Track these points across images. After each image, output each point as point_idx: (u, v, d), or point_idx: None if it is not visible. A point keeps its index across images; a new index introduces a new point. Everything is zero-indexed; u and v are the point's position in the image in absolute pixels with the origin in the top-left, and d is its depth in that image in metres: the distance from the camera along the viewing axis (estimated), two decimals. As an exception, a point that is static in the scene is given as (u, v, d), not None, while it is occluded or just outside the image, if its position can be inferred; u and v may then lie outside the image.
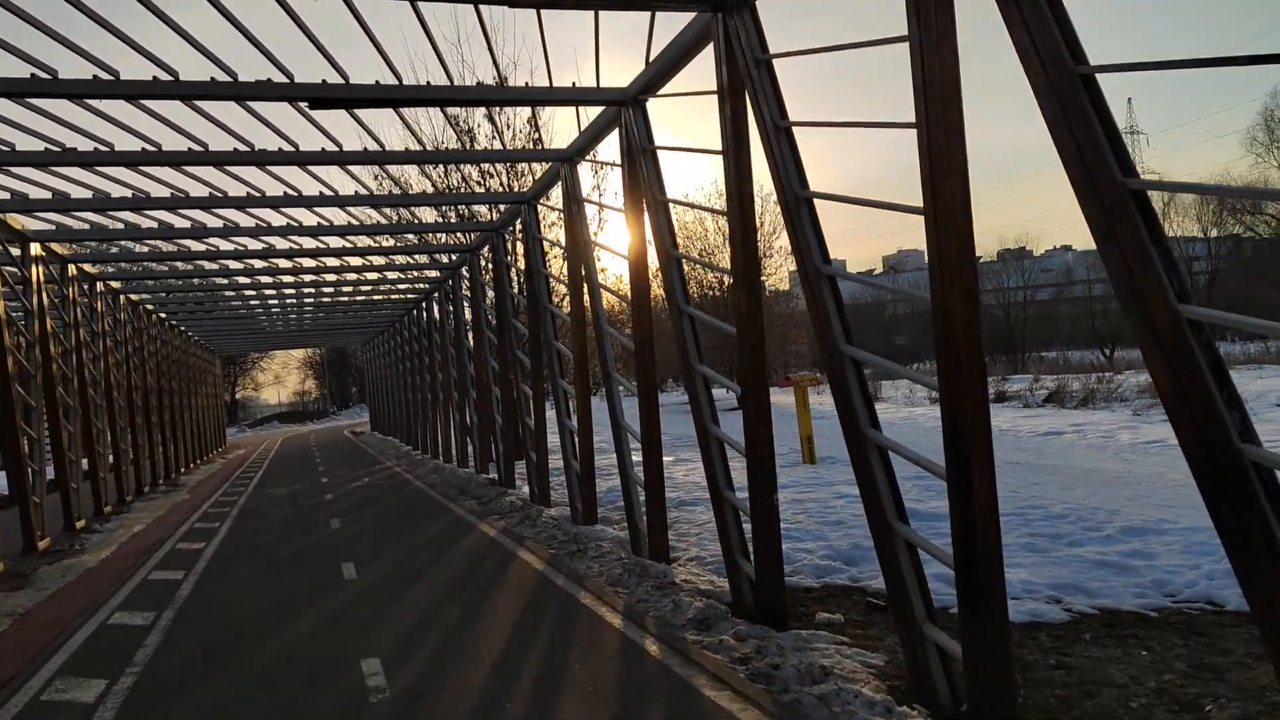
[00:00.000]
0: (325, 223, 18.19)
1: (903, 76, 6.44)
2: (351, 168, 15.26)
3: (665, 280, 10.53)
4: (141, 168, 13.39)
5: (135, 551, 15.51)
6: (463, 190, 24.75)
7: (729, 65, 8.30)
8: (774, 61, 7.92)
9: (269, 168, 13.99)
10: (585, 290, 13.76)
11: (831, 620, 8.58)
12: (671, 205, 10.87)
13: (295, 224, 17.92)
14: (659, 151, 10.80)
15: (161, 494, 25.95)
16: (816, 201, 7.56)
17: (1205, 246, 70.10)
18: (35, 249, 17.70)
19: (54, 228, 17.51)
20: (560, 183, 14.38)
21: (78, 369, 20.03)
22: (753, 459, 8.50)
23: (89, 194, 14.59)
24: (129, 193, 14.78)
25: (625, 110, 11.03)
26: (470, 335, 23.75)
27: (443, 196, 20.60)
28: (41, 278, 18.02)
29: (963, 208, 5.65)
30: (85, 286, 22.31)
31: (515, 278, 21.18)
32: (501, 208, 19.24)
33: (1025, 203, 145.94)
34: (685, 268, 10.98)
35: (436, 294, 28.51)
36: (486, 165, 24.77)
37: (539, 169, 24.28)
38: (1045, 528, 11.92)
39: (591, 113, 12.48)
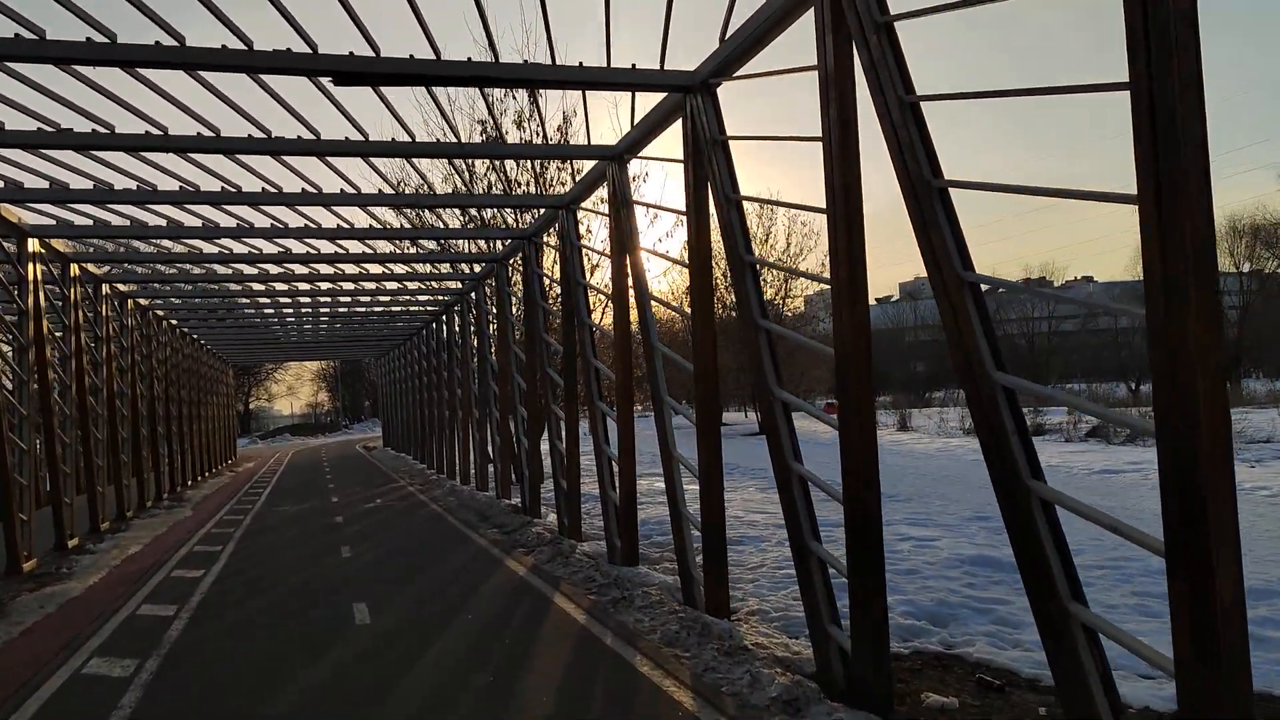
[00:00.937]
0: (345, 224, 16.86)
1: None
2: (376, 162, 13.96)
3: (737, 290, 9.09)
4: (145, 154, 12.07)
5: (127, 578, 14.06)
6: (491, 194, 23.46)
7: (836, 32, 6.90)
8: (896, 26, 6.52)
9: (286, 158, 12.66)
10: (633, 302, 12.40)
11: (945, 706, 7.02)
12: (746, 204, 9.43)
13: (313, 225, 16.59)
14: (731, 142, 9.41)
15: (164, 509, 24.42)
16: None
17: (1237, 280, 68.94)
18: (33, 245, 16.40)
19: (53, 223, 16.20)
20: (606, 183, 13.00)
21: (77, 375, 18.59)
22: (854, 502, 7.01)
23: (89, 184, 13.30)
24: (133, 184, 13.48)
25: (692, 97, 9.63)
26: (495, 350, 22.16)
27: (473, 198, 19.15)
28: (39, 276, 16.70)
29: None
30: (90, 289, 21.04)
31: (546, 288, 19.72)
32: (535, 214, 17.82)
33: (1053, 232, 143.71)
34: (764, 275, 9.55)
35: (459, 306, 26.93)
36: (513, 174, 23.52)
37: (552, 190, 23.13)
38: (1150, 584, 10.46)
39: (642, 109, 11.20)
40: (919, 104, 6.32)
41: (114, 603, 12.13)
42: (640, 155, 12.38)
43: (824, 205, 7.24)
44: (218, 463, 43.44)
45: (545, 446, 19.06)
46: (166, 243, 19.34)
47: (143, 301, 25.80)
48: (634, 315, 12.53)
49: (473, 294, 24.74)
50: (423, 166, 22.98)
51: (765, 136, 12.74)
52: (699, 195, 9.76)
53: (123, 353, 23.20)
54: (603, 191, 14.05)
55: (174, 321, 30.95)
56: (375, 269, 22.08)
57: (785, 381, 8.72)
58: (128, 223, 16.17)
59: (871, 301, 8.38)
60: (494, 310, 22.30)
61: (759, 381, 8.74)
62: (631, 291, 12.50)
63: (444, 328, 30.29)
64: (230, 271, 22.04)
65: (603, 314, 20.20)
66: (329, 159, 12.89)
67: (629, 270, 12.52)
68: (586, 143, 13.60)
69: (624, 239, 12.53)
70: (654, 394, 11.62)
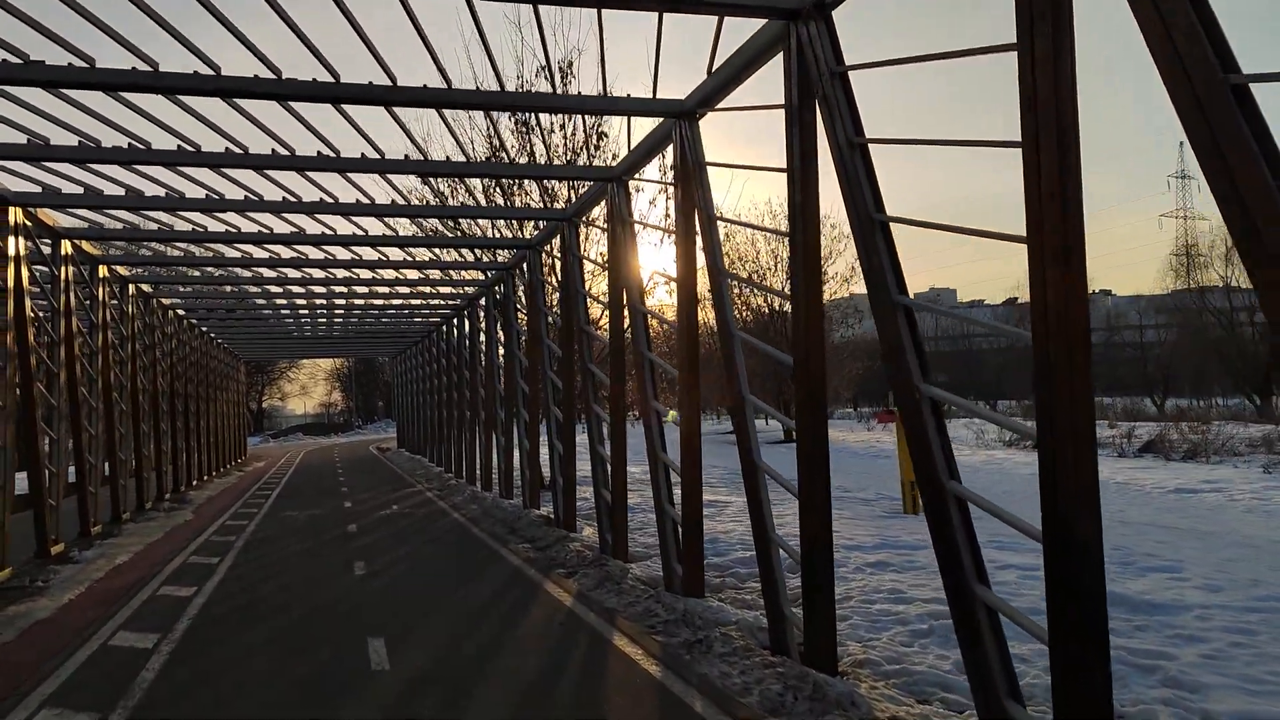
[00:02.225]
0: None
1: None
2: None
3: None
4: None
5: (107, 596, 12.47)
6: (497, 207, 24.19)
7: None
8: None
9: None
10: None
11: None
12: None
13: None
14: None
15: (164, 512, 22.89)
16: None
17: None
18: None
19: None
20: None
21: (66, 363, 17.22)
22: (1060, 529, 5.12)
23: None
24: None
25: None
26: (524, 349, 21.06)
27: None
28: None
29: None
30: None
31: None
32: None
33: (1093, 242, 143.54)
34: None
35: (483, 299, 26.17)
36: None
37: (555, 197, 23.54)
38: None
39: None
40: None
41: (86, 628, 10.51)
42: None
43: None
44: (227, 461, 42.52)
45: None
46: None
47: (146, 288, 25.30)
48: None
49: (499, 286, 24.04)
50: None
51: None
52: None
53: (122, 343, 22.39)
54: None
55: (181, 312, 30.29)
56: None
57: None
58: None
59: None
60: (523, 302, 21.36)
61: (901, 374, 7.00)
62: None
63: (465, 323, 29.49)
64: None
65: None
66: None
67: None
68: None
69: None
70: (734, 393, 9.75)
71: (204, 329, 35.52)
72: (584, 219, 16.64)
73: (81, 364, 18.47)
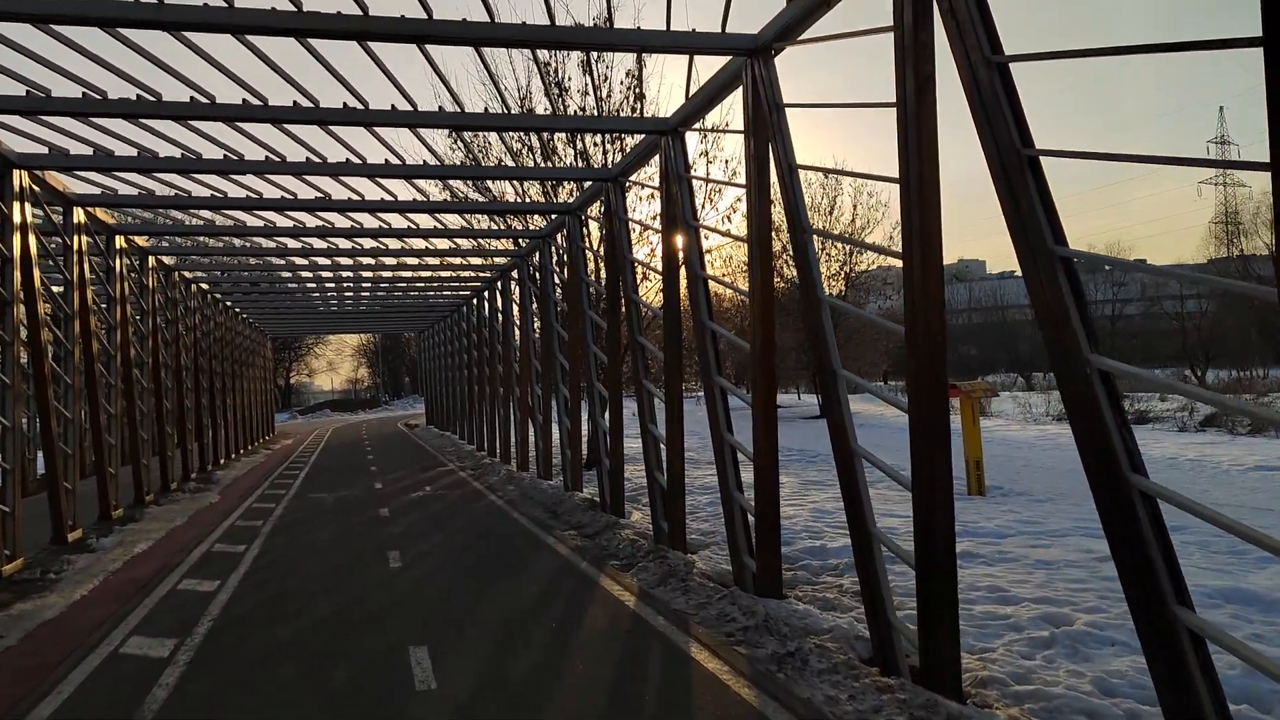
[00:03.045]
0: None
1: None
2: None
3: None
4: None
5: (123, 591, 11.38)
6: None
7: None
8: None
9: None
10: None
11: None
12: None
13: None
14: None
15: (188, 494, 21.86)
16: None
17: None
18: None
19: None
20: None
21: (81, 339, 16.22)
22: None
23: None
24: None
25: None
26: (562, 321, 19.86)
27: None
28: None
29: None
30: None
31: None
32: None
33: (1117, 211, 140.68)
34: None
35: (518, 269, 24.83)
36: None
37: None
38: None
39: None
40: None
41: (95, 631, 9.49)
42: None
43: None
44: (254, 439, 41.88)
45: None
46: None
47: (167, 261, 24.45)
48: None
49: (535, 256, 22.50)
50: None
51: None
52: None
53: (143, 318, 21.57)
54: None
55: (204, 286, 29.45)
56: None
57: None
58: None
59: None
60: (561, 272, 20.26)
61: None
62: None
63: (498, 296, 28.07)
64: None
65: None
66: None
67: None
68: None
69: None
70: (823, 367, 8.34)
71: (229, 304, 34.81)
72: (628, 180, 15.36)
73: (99, 340, 17.52)
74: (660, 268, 13.48)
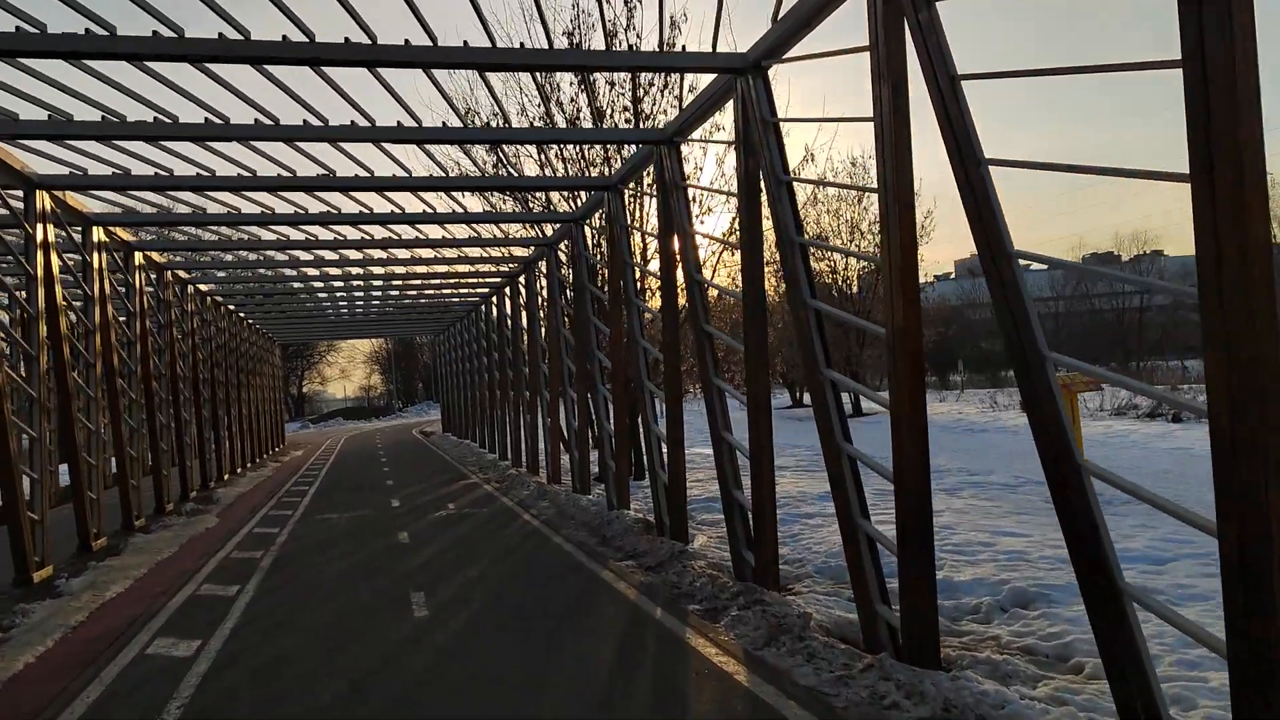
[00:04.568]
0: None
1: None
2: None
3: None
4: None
5: (76, 660, 8.94)
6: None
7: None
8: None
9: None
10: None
11: None
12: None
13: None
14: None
15: (185, 516, 19.83)
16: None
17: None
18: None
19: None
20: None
21: (102, 353, 16.26)
22: None
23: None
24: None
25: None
26: (599, 312, 18.03)
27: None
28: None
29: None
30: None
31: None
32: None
33: (1138, 201, 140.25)
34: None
35: (543, 260, 22.84)
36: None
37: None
38: None
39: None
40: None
41: None
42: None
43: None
44: (262, 451, 40.08)
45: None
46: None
47: (183, 274, 25.02)
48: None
49: (564, 242, 20.86)
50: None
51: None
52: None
53: (160, 330, 21.41)
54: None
55: (219, 298, 29.26)
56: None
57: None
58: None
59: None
60: (600, 257, 18.96)
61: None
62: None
63: (521, 291, 26.43)
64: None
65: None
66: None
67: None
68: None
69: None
70: (1017, 354, 6.07)
71: (241, 314, 34.79)
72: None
73: (83, 353, 16.71)
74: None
